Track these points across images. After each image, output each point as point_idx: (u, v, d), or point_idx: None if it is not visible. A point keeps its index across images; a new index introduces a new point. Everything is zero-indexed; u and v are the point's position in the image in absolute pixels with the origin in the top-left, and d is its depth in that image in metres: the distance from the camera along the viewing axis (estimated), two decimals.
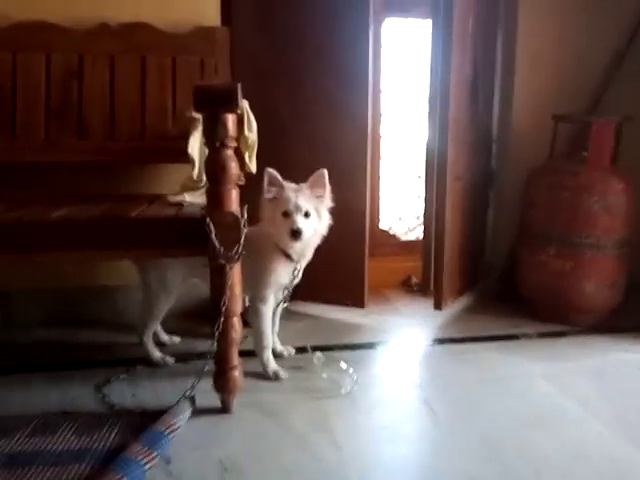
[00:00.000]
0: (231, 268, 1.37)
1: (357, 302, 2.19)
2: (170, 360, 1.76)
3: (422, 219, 2.51)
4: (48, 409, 1.48)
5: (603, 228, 2.03)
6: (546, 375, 1.72)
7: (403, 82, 2.74)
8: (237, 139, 1.44)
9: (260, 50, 2.11)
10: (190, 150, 1.63)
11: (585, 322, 2.11)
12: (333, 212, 1.67)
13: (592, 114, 2.26)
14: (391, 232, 2.79)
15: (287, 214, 1.58)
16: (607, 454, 1.35)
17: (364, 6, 2.01)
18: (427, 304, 2.27)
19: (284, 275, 1.67)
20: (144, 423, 1.36)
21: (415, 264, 2.49)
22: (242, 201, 1.41)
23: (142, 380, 1.65)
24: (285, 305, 1.81)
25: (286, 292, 1.72)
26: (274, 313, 1.75)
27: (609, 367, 1.79)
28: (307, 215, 1.59)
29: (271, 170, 1.60)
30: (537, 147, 2.23)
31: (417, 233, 2.85)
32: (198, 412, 1.46)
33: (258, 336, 1.68)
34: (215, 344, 1.42)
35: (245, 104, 1.65)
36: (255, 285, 1.66)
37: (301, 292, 1.95)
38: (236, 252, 1.36)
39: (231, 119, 1.35)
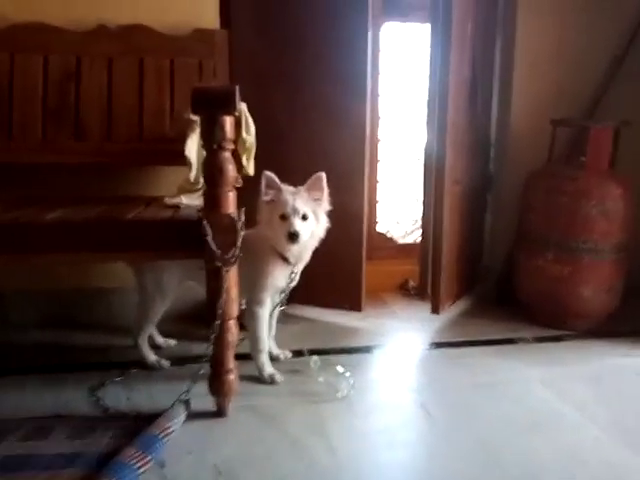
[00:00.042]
0: (227, 271, 1.36)
1: (354, 305, 2.19)
2: (165, 363, 1.75)
3: (420, 222, 2.51)
4: (42, 412, 1.46)
5: (601, 233, 2.02)
6: (543, 380, 1.72)
7: (401, 86, 2.74)
8: (235, 141, 1.43)
9: (259, 53, 2.10)
10: (187, 152, 1.63)
11: (582, 327, 2.11)
12: (331, 215, 1.66)
13: (591, 118, 2.26)
14: (388, 235, 2.79)
15: (285, 217, 1.58)
16: (605, 459, 1.35)
17: (363, 10, 2.01)
18: (424, 308, 2.26)
19: (281, 278, 1.67)
20: (138, 427, 1.35)
21: (412, 267, 2.49)
22: (239, 204, 1.41)
23: (137, 383, 1.64)
24: (282, 308, 1.80)
25: (283, 295, 1.71)
26: (271, 316, 1.75)
27: (607, 372, 1.79)
28: (305, 218, 1.58)
29: (269, 173, 1.59)
30: (535, 151, 2.23)
31: (415, 236, 2.84)
32: (193, 416, 1.45)
33: (254, 339, 1.67)
34: (211, 347, 1.41)
35: (243, 106, 1.65)
36: (252, 288, 1.65)
37: (298, 295, 1.95)
38: (233, 255, 1.35)
39: (229, 121, 1.35)
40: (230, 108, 1.32)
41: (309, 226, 1.60)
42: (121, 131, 1.85)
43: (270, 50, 2.10)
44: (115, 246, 1.40)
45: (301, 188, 1.60)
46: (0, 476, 1.20)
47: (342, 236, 1.91)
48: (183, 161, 1.64)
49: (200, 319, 1.52)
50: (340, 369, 1.71)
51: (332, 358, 1.81)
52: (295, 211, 1.57)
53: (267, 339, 1.71)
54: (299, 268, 1.69)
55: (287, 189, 1.60)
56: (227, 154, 1.36)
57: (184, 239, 1.38)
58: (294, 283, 1.70)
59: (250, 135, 1.71)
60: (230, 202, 1.37)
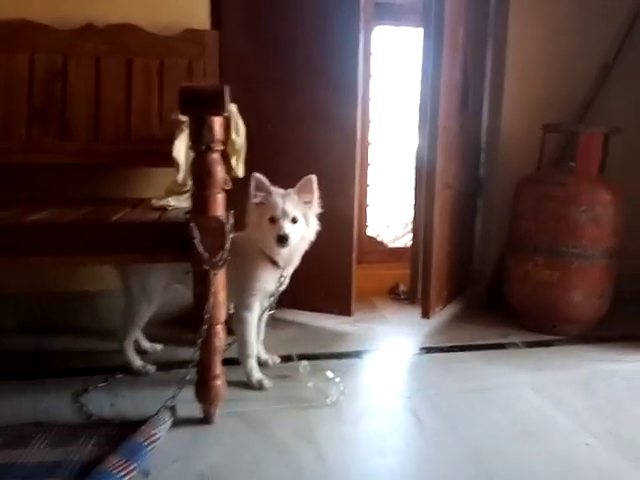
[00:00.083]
0: (215, 274, 1.34)
1: (344, 310, 2.17)
2: (151, 368, 1.72)
3: (410, 226, 2.50)
4: (22, 419, 1.42)
5: (590, 238, 2.03)
6: (534, 385, 1.71)
7: (393, 90, 2.74)
8: (224, 142, 1.41)
9: (249, 55, 2.09)
10: (175, 153, 1.61)
11: (573, 332, 2.11)
12: (321, 218, 1.64)
13: (581, 123, 2.27)
14: (379, 239, 2.78)
15: (274, 220, 1.56)
16: (596, 465, 1.34)
17: (354, 13, 2.00)
18: (414, 312, 2.25)
19: (270, 282, 1.65)
20: (122, 434, 1.31)
21: (403, 272, 2.48)
22: (228, 206, 1.39)
23: (122, 389, 1.61)
24: (271, 312, 1.78)
25: (272, 299, 1.69)
26: (259, 320, 1.72)
27: (597, 377, 1.79)
28: (294, 221, 1.57)
29: (258, 175, 1.57)
30: (526, 156, 2.24)
31: (405, 240, 2.84)
32: (179, 422, 1.42)
33: (242, 344, 1.65)
34: (198, 352, 1.38)
35: (233, 107, 1.63)
36: (240, 292, 1.63)
37: (287, 299, 1.93)
38: (221, 258, 1.33)
39: (218, 122, 1.33)
40: (219, 108, 1.30)
41: (299, 229, 1.58)
42: (108, 132, 1.83)
43: (261, 52, 2.08)
44: (101, 248, 1.38)
45: (291, 191, 1.59)
46: None
47: (332, 239, 1.90)
48: (171, 162, 1.61)
49: (187, 323, 1.50)
50: (330, 374, 1.69)
51: (321, 363, 1.80)
52: (285, 214, 1.55)
53: (255, 344, 1.69)
54: (288, 272, 1.67)
55: (277, 191, 1.58)
56: (216, 155, 1.33)
57: (171, 242, 1.35)
58: (283, 287, 1.68)
59: (240, 136, 1.69)
60: (219, 204, 1.35)
